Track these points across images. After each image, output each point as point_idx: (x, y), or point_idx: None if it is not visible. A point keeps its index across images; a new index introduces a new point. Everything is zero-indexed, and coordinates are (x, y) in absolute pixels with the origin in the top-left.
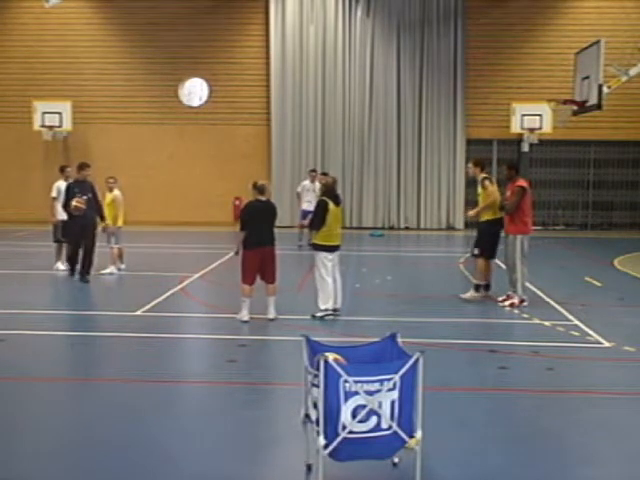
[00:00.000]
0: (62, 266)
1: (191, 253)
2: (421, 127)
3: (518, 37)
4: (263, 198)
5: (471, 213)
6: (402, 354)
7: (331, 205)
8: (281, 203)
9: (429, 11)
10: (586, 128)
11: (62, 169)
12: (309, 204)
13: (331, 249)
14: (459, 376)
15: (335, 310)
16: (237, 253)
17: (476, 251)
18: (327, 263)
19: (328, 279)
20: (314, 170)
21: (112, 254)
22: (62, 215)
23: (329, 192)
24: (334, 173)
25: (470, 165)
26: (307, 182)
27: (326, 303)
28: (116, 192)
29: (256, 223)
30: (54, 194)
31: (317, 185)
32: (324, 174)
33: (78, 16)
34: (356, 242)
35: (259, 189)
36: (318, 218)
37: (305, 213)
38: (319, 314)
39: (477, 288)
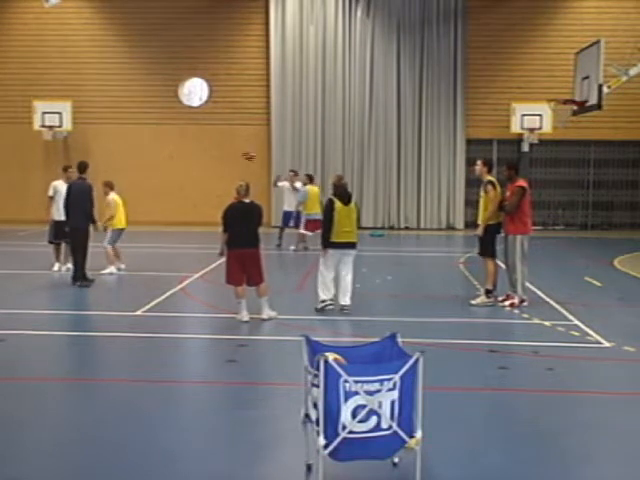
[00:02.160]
0: (56, 267)
1: (191, 253)
2: (421, 127)
3: (518, 37)
4: (245, 200)
5: (479, 232)
6: (402, 354)
7: (337, 204)
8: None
9: (429, 11)
10: (586, 128)
11: (65, 169)
12: (289, 205)
13: (335, 245)
14: (459, 376)
15: (332, 300)
16: (221, 254)
17: (479, 250)
18: (328, 257)
19: (326, 273)
20: (292, 170)
21: (108, 254)
22: (58, 216)
23: (336, 190)
24: (334, 173)
25: (479, 163)
26: (286, 183)
27: (324, 294)
28: (112, 195)
29: (236, 224)
30: (50, 193)
31: (298, 185)
32: (293, 172)
33: (78, 16)
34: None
35: (238, 190)
36: (326, 220)
37: (286, 214)
38: (319, 306)
39: (488, 293)
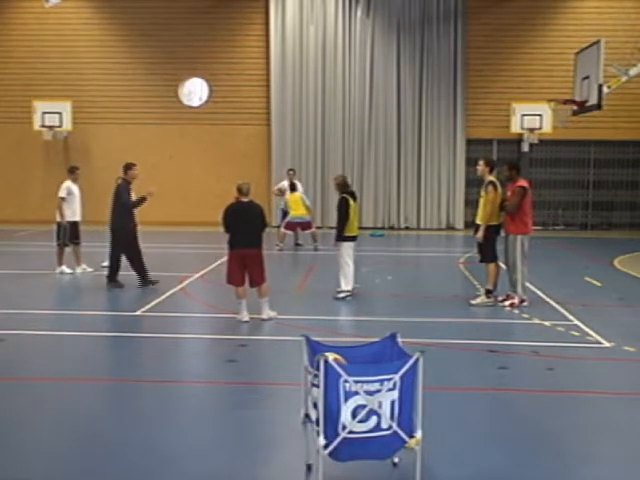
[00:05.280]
0: (67, 269)
1: (191, 253)
2: (421, 127)
3: (518, 37)
4: (245, 199)
5: (479, 237)
6: (402, 354)
7: (351, 201)
8: (281, 202)
9: (429, 11)
10: (586, 128)
11: (73, 170)
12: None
13: (353, 239)
14: (459, 376)
15: (351, 291)
16: None
17: (480, 258)
18: (350, 250)
19: (351, 264)
20: (292, 169)
21: None
22: (72, 217)
23: (344, 188)
24: (334, 173)
25: (481, 163)
26: (285, 182)
27: (347, 285)
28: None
29: (236, 224)
30: (63, 194)
31: (297, 184)
32: (292, 170)
33: (78, 16)
34: (356, 242)
35: (239, 190)
36: (345, 217)
37: (284, 213)
38: (341, 295)
39: (488, 293)
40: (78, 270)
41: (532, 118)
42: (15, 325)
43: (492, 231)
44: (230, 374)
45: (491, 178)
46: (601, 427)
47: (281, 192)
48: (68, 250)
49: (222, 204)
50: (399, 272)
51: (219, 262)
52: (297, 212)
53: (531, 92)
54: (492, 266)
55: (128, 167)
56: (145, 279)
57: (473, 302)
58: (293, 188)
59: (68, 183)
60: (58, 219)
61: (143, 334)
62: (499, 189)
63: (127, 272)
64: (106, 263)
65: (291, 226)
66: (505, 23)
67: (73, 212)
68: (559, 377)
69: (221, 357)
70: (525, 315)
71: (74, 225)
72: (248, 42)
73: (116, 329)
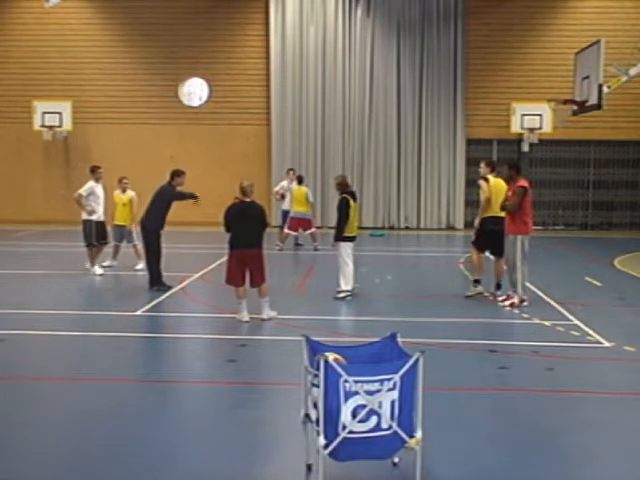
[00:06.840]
0: (99, 270)
1: (191, 253)
2: (421, 127)
3: (518, 37)
4: (247, 199)
5: (476, 224)
6: (402, 354)
7: (351, 202)
8: (281, 203)
9: (429, 11)
10: (586, 128)
11: (93, 169)
12: (287, 204)
13: (352, 239)
14: (459, 376)
15: (351, 291)
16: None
17: (472, 237)
18: (349, 250)
19: (350, 264)
20: (292, 169)
21: (137, 250)
22: (97, 217)
23: (345, 188)
24: (334, 173)
25: (482, 165)
26: (285, 182)
27: (347, 285)
28: (131, 192)
29: (237, 224)
30: (83, 192)
31: (295, 185)
32: (292, 170)
33: (78, 16)
34: (356, 242)
35: (241, 190)
36: (344, 217)
37: (285, 213)
38: (341, 295)
39: (475, 283)
40: (87, 266)
41: (532, 118)
42: (15, 325)
43: (487, 222)
44: (230, 374)
45: (486, 175)
46: (601, 427)
47: (282, 196)
48: (95, 249)
49: (222, 204)
50: (399, 272)
51: (219, 262)
52: (298, 208)
53: (531, 92)
54: (475, 256)
55: (176, 174)
56: (155, 281)
57: (468, 293)
58: (300, 181)
59: (91, 183)
60: (84, 217)
61: (143, 334)
62: (491, 183)
63: (134, 272)
64: (107, 263)
65: (293, 225)
66: (505, 23)
67: (99, 212)
68: (559, 377)
69: (221, 357)
70: (525, 315)
71: (100, 225)
72: (248, 42)
73: (116, 329)
